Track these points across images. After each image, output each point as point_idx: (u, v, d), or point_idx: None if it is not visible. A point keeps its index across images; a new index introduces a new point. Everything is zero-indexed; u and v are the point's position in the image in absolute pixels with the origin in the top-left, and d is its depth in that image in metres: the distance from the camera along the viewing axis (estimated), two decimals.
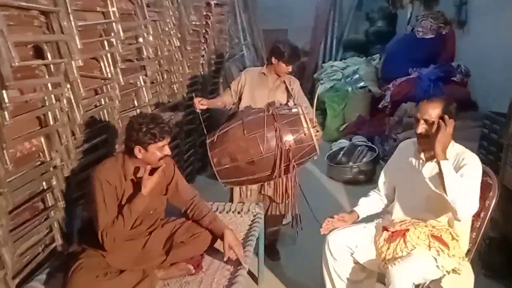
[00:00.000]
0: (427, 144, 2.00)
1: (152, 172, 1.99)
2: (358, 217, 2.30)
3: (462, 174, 1.93)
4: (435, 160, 1.96)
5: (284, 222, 3.32)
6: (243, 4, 7.66)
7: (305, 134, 2.64)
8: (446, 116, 1.93)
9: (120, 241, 1.92)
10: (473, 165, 1.97)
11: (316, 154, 2.76)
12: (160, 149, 1.95)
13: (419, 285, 2.06)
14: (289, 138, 2.62)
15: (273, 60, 2.89)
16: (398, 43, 5.79)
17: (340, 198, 4.17)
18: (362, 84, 6.55)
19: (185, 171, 4.18)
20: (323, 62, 8.61)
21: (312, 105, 2.91)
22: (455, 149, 2.05)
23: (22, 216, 2.03)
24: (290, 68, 2.91)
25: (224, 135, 2.71)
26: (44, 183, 2.14)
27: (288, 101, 3.03)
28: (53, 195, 2.18)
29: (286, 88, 3.03)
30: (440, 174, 1.88)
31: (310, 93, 8.54)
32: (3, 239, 1.82)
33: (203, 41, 4.40)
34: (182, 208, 2.21)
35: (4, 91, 1.70)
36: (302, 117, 2.67)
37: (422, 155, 2.09)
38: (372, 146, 4.92)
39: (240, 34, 7.96)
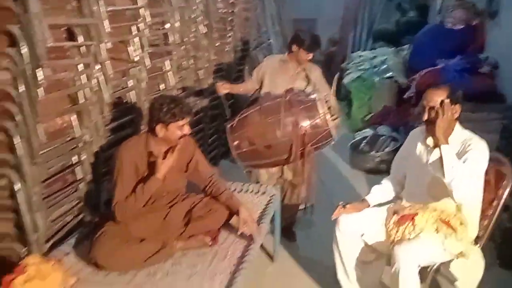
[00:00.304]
0: (433, 131, 2.05)
1: (169, 151, 2.10)
2: (369, 206, 2.36)
3: (466, 159, 1.97)
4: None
5: (301, 207, 3.42)
6: None
7: (321, 120, 2.71)
8: (446, 101, 1.97)
9: (130, 216, 2.05)
10: (479, 149, 2.00)
11: (333, 140, 2.82)
12: (180, 128, 2.07)
13: (428, 267, 2.13)
14: (305, 123, 2.70)
15: (294, 47, 2.96)
16: (426, 33, 5.68)
17: (361, 187, 4.20)
18: (389, 74, 6.48)
19: (209, 155, 4.30)
20: (352, 52, 8.54)
21: (334, 93, 2.99)
22: (463, 135, 2.09)
23: (54, 186, 2.20)
24: (310, 56, 2.97)
25: (243, 120, 2.82)
26: (74, 157, 2.31)
27: (306, 87, 3.10)
28: (82, 168, 2.35)
29: (307, 75, 3.10)
30: (440, 158, 1.93)
31: (338, 83, 8.56)
32: (36, 205, 2.00)
33: (229, 28, 4.49)
34: (201, 185, 2.33)
35: (39, 70, 1.85)
36: (318, 103, 2.74)
37: (429, 142, 2.13)
38: (396, 136, 4.91)
39: (268, 22, 8.00)
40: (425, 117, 2.06)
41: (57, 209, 2.21)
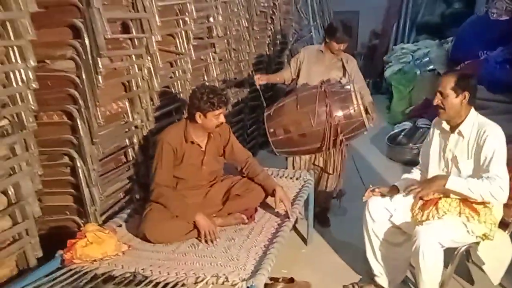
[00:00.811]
0: (444, 115, 2.18)
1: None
2: (398, 192, 2.45)
3: (486, 157, 2.07)
4: (457, 131, 2.17)
5: (335, 195, 3.54)
6: None
7: (354, 111, 2.82)
8: (447, 88, 2.10)
9: (162, 201, 2.22)
10: (494, 136, 2.08)
11: (366, 130, 2.93)
12: (217, 117, 2.24)
13: (455, 250, 2.21)
14: (339, 113, 2.82)
15: (327, 38, 3.08)
16: (470, 24, 5.57)
17: (397, 178, 4.21)
18: (431, 67, 6.42)
19: (248, 145, 4.48)
20: (395, 44, 8.44)
21: (368, 86, 3.09)
22: (478, 121, 2.16)
23: (109, 166, 2.46)
24: (341, 46, 3.06)
25: (279, 109, 2.98)
26: (127, 140, 2.55)
27: (341, 78, 3.20)
28: (133, 150, 2.59)
29: (343, 66, 3.20)
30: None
31: (379, 76, 8.51)
32: (94, 181, 2.25)
33: (269, 22, 4.64)
34: (239, 167, 2.51)
35: (99, 59, 2.09)
36: (353, 94, 2.84)
37: (445, 126, 2.23)
38: None
39: (309, 15, 8.06)
40: (434, 101, 2.17)
41: (111, 186, 2.46)
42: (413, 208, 2.31)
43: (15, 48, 1.79)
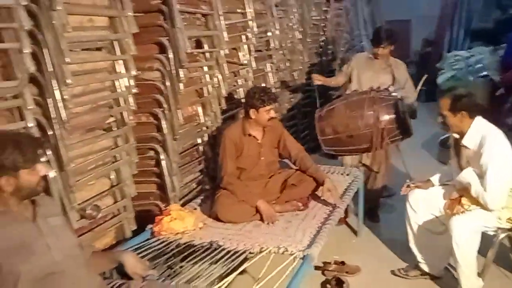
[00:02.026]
0: (451, 130, 2.46)
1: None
2: (433, 185, 2.70)
3: (483, 168, 2.30)
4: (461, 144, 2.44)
5: (385, 194, 3.80)
6: None
7: (400, 117, 3.08)
8: (446, 113, 2.37)
9: (230, 189, 2.59)
10: (492, 149, 2.30)
11: (409, 135, 3.19)
12: (268, 112, 2.61)
13: (494, 237, 2.41)
14: (385, 118, 3.09)
15: (372, 45, 3.38)
16: None
17: None
18: (484, 73, 6.45)
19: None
20: (448, 51, 8.45)
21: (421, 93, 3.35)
22: (478, 132, 2.36)
23: (185, 159, 2.89)
24: (384, 51, 3.35)
25: (330, 111, 3.31)
26: (199, 138, 2.99)
27: (392, 84, 3.47)
28: (204, 147, 3.02)
29: (392, 71, 3.47)
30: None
31: (433, 83, 8.54)
32: (175, 171, 2.69)
33: (321, 33, 4.99)
34: (292, 160, 2.84)
35: (180, 70, 2.54)
36: (399, 101, 3.12)
37: (456, 135, 2.49)
38: None
39: (361, 26, 8.30)
40: (438, 120, 2.45)
41: (186, 177, 2.90)
42: (444, 206, 2.56)
43: (120, 62, 2.26)
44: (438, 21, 9.28)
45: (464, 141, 2.40)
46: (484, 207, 2.35)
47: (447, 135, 5.37)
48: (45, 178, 1.79)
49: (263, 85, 3.68)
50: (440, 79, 7.41)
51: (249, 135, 2.70)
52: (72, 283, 1.51)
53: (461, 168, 2.48)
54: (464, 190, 2.45)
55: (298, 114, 4.70)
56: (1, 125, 1.71)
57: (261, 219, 2.51)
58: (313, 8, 4.68)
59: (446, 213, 2.53)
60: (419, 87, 3.63)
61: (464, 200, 2.43)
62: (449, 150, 4.84)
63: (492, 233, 2.42)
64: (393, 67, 3.47)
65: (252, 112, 2.63)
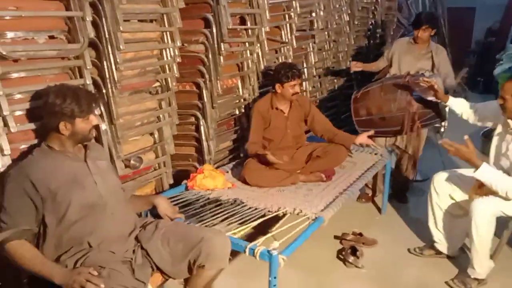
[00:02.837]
0: (505, 114, 2.43)
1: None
2: (447, 100, 2.90)
3: None
4: None
5: (419, 178, 3.88)
6: None
7: (433, 102, 3.14)
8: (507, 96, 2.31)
9: (253, 155, 2.80)
10: None
11: (441, 120, 3.24)
12: (292, 87, 2.81)
13: (509, 221, 2.49)
14: (417, 102, 3.16)
15: (414, 27, 3.44)
16: None
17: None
18: None
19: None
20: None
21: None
22: None
23: (222, 127, 3.16)
24: (422, 34, 3.40)
25: (365, 93, 3.43)
26: (237, 109, 3.24)
27: (431, 70, 3.51)
28: (240, 118, 3.27)
29: (432, 56, 3.51)
30: None
31: (491, 74, 8.20)
32: (211, 136, 2.96)
33: (371, 16, 5.02)
34: (320, 133, 3.05)
35: (222, 44, 2.79)
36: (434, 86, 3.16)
37: (510, 122, 2.45)
38: None
39: (420, 11, 8.10)
40: (498, 101, 2.43)
41: (222, 143, 3.18)
42: (472, 188, 2.62)
43: (168, 33, 2.54)
44: (505, 10, 8.83)
45: None
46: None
47: (489, 128, 5.30)
48: (97, 127, 2.14)
49: (301, 62, 3.87)
50: (497, 70, 7.13)
51: (277, 108, 2.91)
52: (111, 213, 1.83)
53: (499, 153, 2.52)
54: None
55: (340, 96, 4.80)
56: (64, 80, 2.04)
57: (286, 178, 2.74)
58: None
59: (471, 194, 2.59)
60: (458, 79, 3.63)
61: None
62: (487, 141, 4.84)
63: (506, 216, 2.48)
64: (433, 53, 3.50)
65: (278, 87, 2.84)
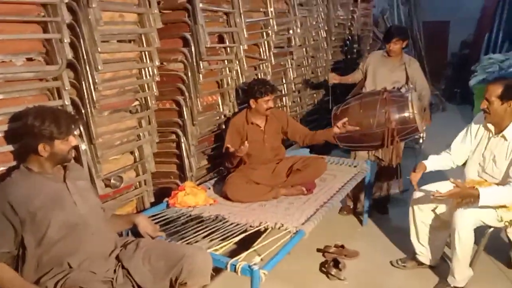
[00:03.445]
0: (489, 119, 2.46)
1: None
2: (426, 168, 2.75)
3: None
4: (501, 135, 2.45)
5: (397, 190, 3.95)
6: None
7: (410, 118, 3.24)
8: (492, 97, 2.37)
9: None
10: None
11: (420, 133, 3.36)
12: (266, 102, 2.89)
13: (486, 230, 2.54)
14: (395, 118, 3.26)
15: (385, 41, 3.56)
16: None
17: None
18: None
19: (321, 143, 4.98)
20: (486, 54, 8.34)
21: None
22: None
23: (203, 144, 3.19)
24: (394, 47, 3.50)
25: (345, 110, 3.51)
26: (217, 125, 3.27)
27: (406, 82, 3.61)
28: (221, 134, 3.30)
29: (405, 68, 3.62)
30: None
31: (467, 86, 8.45)
32: (192, 153, 2.99)
33: (347, 32, 5.16)
34: (301, 140, 3.12)
35: (201, 62, 2.83)
36: (410, 103, 3.27)
37: (492, 128, 2.52)
38: None
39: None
40: (481, 106, 2.47)
41: (204, 160, 3.20)
42: (454, 200, 2.66)
43: (146, 53, 2.58)
44: (477, 24, 9.15)
45: (505, 132, 2.43)
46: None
47: None
48: (76, 148, 2.14)
49: (280, 78, 3.95)
50: (472, 81, 7.36)
51: (252, 123, 2.97)
52: (92, 233, 1.83)
53: (483, 160, 2.55)
54: (479, 184, 2.51)
55: (320, 110, 4.89)
56: (42, 101, 2.05)
57: (267, 193, 2.79)
58: (339, 8, 4.86)
59: (454, 205, 2.60)
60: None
61: None
62: None
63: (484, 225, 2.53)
64: (406, 65, 3.61)
65: (252, 102, 2.92)
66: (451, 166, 2.81)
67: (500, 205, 2.38)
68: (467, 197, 2.37)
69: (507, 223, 2.47)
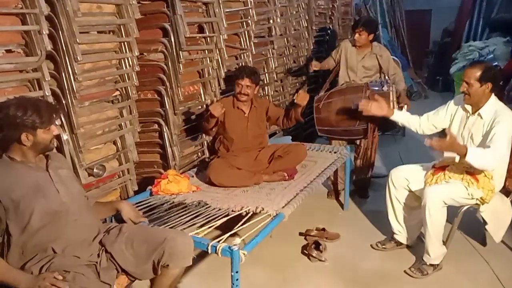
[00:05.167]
0: (468, 100, 2.57)
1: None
2: (392, 114, 2.93)
3: (495, 133, 2.43)
4: (477, 114, 2.53)
5: (378, 174, 4.05)
6: None
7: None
8: (472, 80, 2.48)
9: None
10: (507, 117, 2.45)
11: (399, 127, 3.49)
12: (238, 85, 2.95)
13: (458, 209, 2.65)
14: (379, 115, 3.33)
15: (352, 31, 3.66)
16: None
17: None
18: (495, 63, 6.50)
19: (305, 132, 5.05)
20: (467, 42, 8.48)
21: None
22: (496, 106, 2.54)
23: (186, 133, 3.23)
24: (359, 38, 3.61)
25: (328, 104, 3.62)
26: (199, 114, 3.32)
27: (381, 70, 3.72)
28: None
29: (376, 56, 3.71)
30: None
31: (449, 74, 8.60)
32: (175, 142, 3.03)
33: (328, 21, 5.22)
34: (280, 120, 3.18)
35: (180, 52, 2.87)
36: (390, 94, 3.37)
37: (469, 108, 2.63)
38: None
39: (378, 15, 8.43)
40: (461, 89, 2.57)
41: (187, 148, 3.25)
42: (426, 175, 2.79)
43: (125, 43, 2.61)
44: (458, 12, 9.28)
45: (481, 111, 2.53)
46: (459, 182, 2.57)
47: None
48: (58, 137, 2.18)
49: (262, 68, 4.03)
50: (452, 69, 7.50)
51: (238, 107, 3.03)
52: (74, 219, 1.87)
53: (461, 137, 2.64)
54: (454, 162, 2.62)
55: None
56: (23, 93, 2.08)
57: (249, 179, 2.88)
58: None
59: (426, 181, 2.73)
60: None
61: (448, 170, 2.65)
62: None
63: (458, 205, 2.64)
64: (377, 55, 3.71)
65: (235, 87, 2.99)
66: (416, 129, 2.93)
67: (481, 168, 2.48)
68: (455, 150, 2.44)
69: (477, 200, 2.59)
